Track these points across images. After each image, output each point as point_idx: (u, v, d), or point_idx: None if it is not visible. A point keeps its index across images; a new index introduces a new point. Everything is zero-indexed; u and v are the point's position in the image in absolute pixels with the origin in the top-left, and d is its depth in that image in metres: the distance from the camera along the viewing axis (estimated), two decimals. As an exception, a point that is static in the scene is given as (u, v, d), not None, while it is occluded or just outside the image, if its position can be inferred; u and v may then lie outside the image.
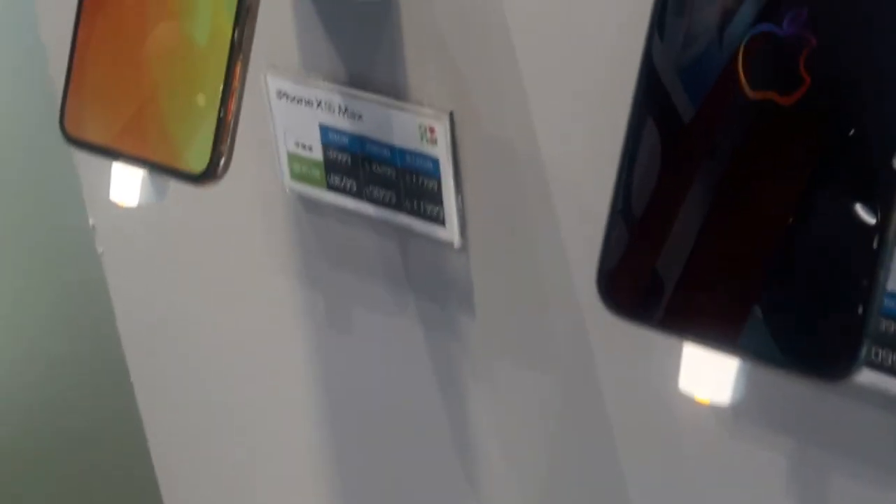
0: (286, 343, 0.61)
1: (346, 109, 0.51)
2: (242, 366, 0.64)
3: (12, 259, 1.09)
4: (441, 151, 0.48)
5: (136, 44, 0.41)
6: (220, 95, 0.39)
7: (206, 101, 0.39)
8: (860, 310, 0.29)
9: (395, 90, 0.49)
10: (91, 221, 0.66)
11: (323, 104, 0.52)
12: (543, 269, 0.48)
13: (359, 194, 0.53)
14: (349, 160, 0.52)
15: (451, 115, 0.48)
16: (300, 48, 0.52)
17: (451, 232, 0.50)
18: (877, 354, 0.40)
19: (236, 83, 0.39)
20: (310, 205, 0.55)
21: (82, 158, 0.67)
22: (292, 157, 0.54)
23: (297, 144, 0.53)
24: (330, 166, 0.53)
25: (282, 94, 0.53)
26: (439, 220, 0.50)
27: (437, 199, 0.50)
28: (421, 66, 0.48)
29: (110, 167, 0.42)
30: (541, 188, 0.47)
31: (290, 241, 0.57)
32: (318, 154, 0.53)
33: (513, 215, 0.48)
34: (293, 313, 0.58)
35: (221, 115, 0.39)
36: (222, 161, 0.39)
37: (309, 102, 0.52)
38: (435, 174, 0.49)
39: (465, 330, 0.53)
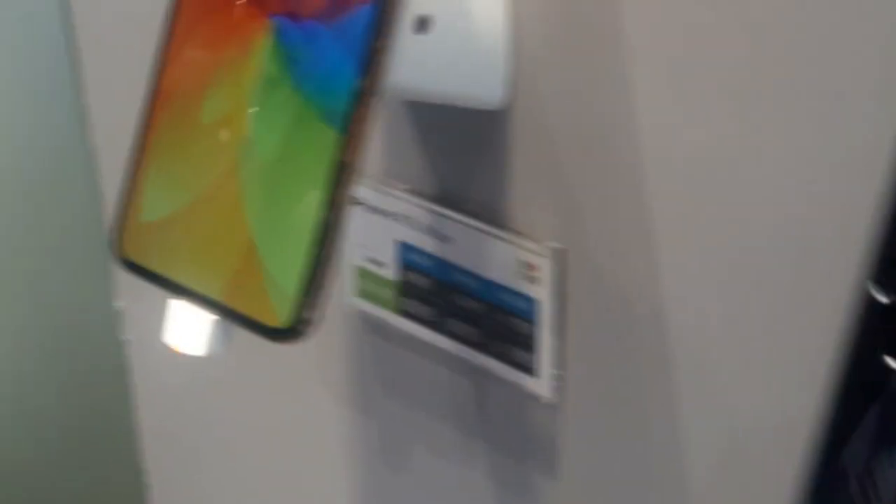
0: (332, 476, 0.53)
1: (431, 229, 0.44)
2: (281, 498, 0.57)
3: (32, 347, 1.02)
4: (541, 293, 0.42)
5: (212, 161, 0.34)
6: (313, 237, 0.32)
7: (296, 242, 0.32)
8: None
9: (494, 215, 0.43)
10: (118, 305, 0.59)
11: (405, 219, 0.45)
12: (649, 444, 0.41)
13: (435, 325, 0.46)
14: (428, 285, 0.45)
15: (558, 252, 0.41)
16: (385, 152, 0.45)
17: (540, 384, 0.43)
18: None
19: (336, 224, 0.32)
20: (374, 326, 0.49)
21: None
22: (361, 273, 0.47)
23: (368, 259, 0.47)
24: (404, 289, 0.46)
25: (357, 201, 0.46)
26: (528, 368, 0.43)
27: (529, 345, 0.43)
28: (528, 193, 0.41)
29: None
30: (657, 349, 0.40)
31: (346, 363, 0.50)
32: (391, 273, 0.46)
33: (618, 375, 0.41)
34: (342, 443, 0.51)
35: (314, 261, 0.32)
36: (312, 317, 0.32)
37: (388, 215, 0.45)
38: (530, 317, 0.42)
39: (544, 493, 0.45)
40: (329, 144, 0.32)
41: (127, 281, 0.60)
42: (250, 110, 0.34)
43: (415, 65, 0.36)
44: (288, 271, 0.33)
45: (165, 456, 0.64)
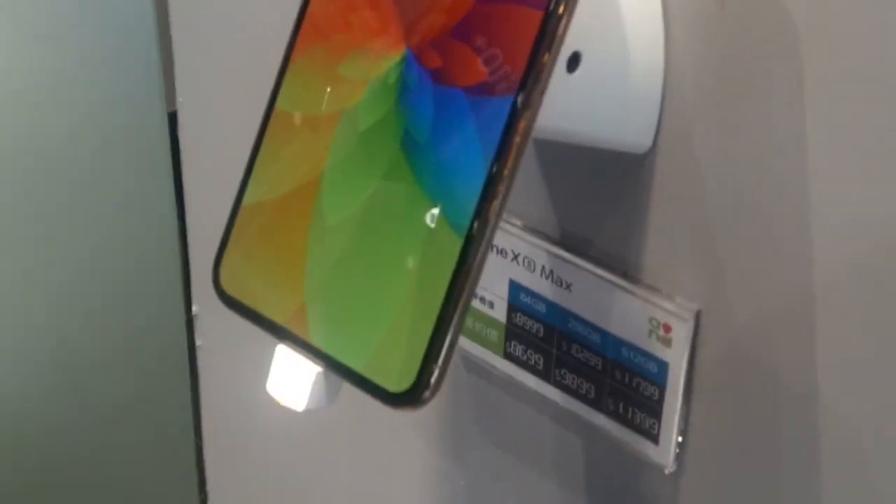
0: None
1: (550, 273, 0.41)
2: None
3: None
4: (674, 356, 0.38)
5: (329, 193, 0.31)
6: (443, 292, 0.29)
7: (420, 296, 0.29)
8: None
9: (625, 266, 0.39)
10: (195, 309, 0.56)
11: (521, 258, 0.41)
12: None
13: (545, 375, 0.42)
14: (541, 332, 0.42)
15: (698, 314, 0.37)
16: (503, 184, 0.42)
17: (663, 453, 0.39)
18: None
19: (470, 282, 0.29)
20: (475, 367, 0.45)
21: (196, 235, 0.57)
22: (465, 309, 0.44)
23: (476, 296, 0.43)
24: (513, 332, 0.43)
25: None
26: (651, 434, 0.40)
27: (654, 410, 0.39)
28: (665, 245, 0.37)
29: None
30: (802, 426, 0.36)
31: (441, 402, 0.47)
32: (500, 314, 0.43)
33: (752, 449, 0.38)
34: (429, 489, 0.48)
35: (441, 319, 0.29)
36: (433, 380, 0.29)
37: (502, 251, 0.42)
38: (658, 380, 0.39)
39: (651, 564, 0.42)
40: (453, 251, 0.29)
41: (204, 286, 0.56)
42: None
43: (559, 104, 0.33)
44: (410, 333, 0.29)
45: (228, 473, 0.61)
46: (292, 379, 0.31)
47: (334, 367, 0.30)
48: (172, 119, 0.54)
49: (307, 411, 0.31)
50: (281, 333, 0.31)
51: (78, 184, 0.88)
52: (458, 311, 0.29)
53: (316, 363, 0.31)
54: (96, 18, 0.84)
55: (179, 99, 0.54)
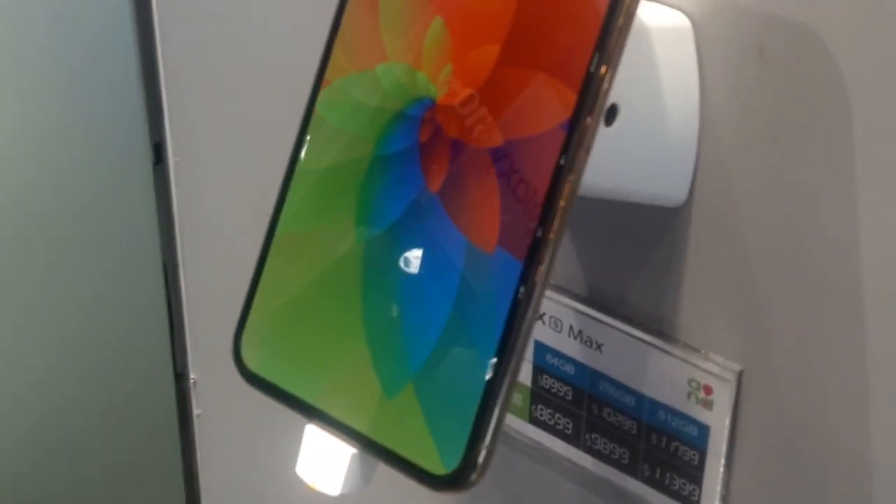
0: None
1: (579, 333, 0.39)
2: None
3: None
4: (716, 419, 0.36)
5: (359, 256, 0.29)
6: (491, 365, 0.27)
7: (466, 375, 0.27)
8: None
9: (660, 324, 0.37)
10: (192, 377, 0.54)
11: (546, 318, 0.40)
12: None
13: (574, 439, 0.40)
14: (570, 395, 0.40)
15: (741, 375, 0.36)
16: (525, 241, 0.40)
17: (705, 520, 0.38)
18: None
19: (518, 352, 0.27)
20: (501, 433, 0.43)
21: (191, 299, 0.55)
22: (487, 372, 0.42)
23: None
24: (539, 395, 0.41)
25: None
26: (690, 501, 0.38)
27: (694, 475, 0.37)
28: (706, 302, 0.36)
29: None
30: (857, 497, 0.34)
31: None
32: (525, 377, 0.41)
33: (801, 518, 0.36)
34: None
35: (488, 394, 0.27)
36: (480, 461, 0.27)
37: (526, 311, 0.40)
38: (699, 445, 0.37)
39: None
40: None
41: (201, 351, 0.54)
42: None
43: (596, 158, 0.31)
44: (452, 412, 0.28)
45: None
46: (325, 461, 0.29)
47: (372, 448, 0.28)
48: (159, 159, 0.52)
49: (342, 496, 0.29)
50: (312, 413, 0.29)
51: (65, 244, 0.85)
52: (507, 385, 0.27)
53: (351, 444, 0.29)
54: (79, 63, 0.82)
55: (175, 159, 0.52)
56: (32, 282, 0.85)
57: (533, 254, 0.27)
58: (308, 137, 0.31)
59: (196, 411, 0.54)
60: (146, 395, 0.85)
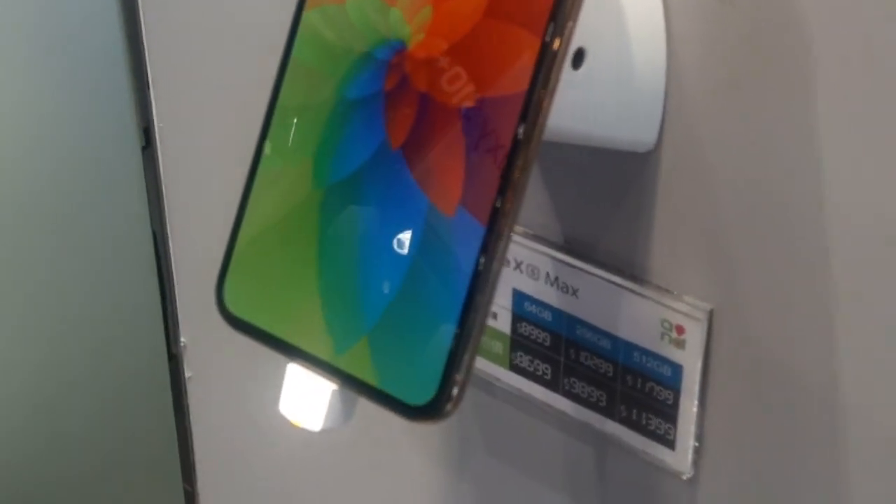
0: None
1: (555, 279, 0.40)
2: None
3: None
4: (688, 358, 0.37)
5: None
6: (462, 297, 0.28)
7: (434, 317, 0.28)
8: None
9: (633, 268, 0.38)
10: (182, 340, 0.55)
11: (524, 266, 0.41)
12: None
13: (553, 385, 0.41)
14: (548, 341, 0.41)
15: (712, 314, 0.37)
16: (502, 192, 0.41)
17: (681, 459, 0.39)
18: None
19: (490, 285, 0.28)
20: (479, 381, 0.44)
21: (180, 267, 0.56)
22: (467, 322, 0.43)
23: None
24: (519, 343, 0.42)
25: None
26: (667, 440, 0.39)
27: (669, 414, 0.38)
28: (677, 244, 0.37)
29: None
30: (825, 429, 0.35)
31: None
32: (504, 325, 0.42)
33: (776, 455, 0.37)
34: (434, 507, 0.47)
35: (462, 326, 0.28)
36: (455, 392, 0.28)
37: (505, 260, 0.41)
38: (673, 384, 0.38)
39: (670, 575, 0.41)
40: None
41: (191, 315, 0.55)
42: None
43: (564, 101, 0.32)
44: (425, 346, 0.29)
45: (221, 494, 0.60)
46: (307, 398, 0.30)
47: (351, 383, 0.29)
48: (148, 142, 0.53)
49: (324, 431, 0.29)
50: (293, 352, 0.30)
51: (53, 219, 0.86)
52: (480, 317, 0.28)
53: (331, 381, 0.30)
54: (67, 59, 0.83)
55: (159, 124, 0.53)
56: (26, 264, 0.86)
57: (503, 185, 0.27)
58: (284, 75, 0.31)
59: (187, 374, 0.55)
60: (140, 368, 0.86)
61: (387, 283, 0.29)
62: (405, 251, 0.29)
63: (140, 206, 0.82)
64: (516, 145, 0.28)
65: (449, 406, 0.27)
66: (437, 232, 0.29)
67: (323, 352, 0.29)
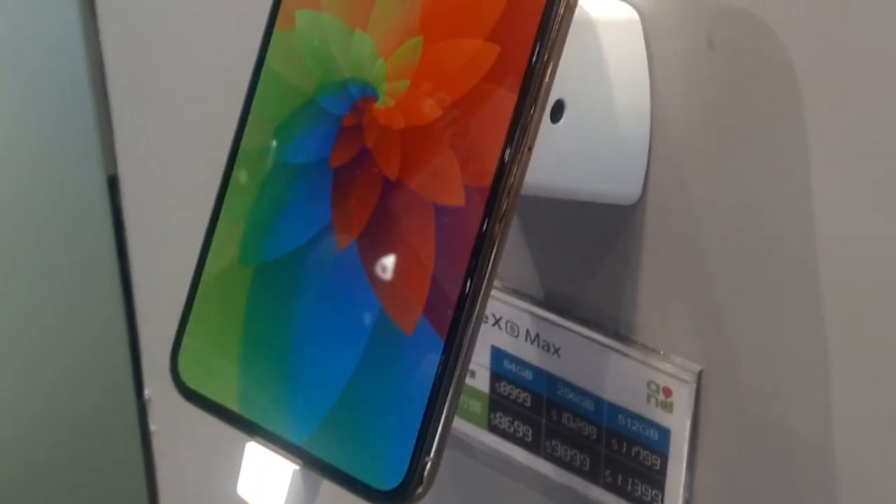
0: None
1: (536, 337, 0.38)
2: None
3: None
4: (676, 421, 0.35)
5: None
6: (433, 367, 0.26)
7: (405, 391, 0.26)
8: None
9: (617, 326, 0.36)
10: (147, 393, 0.53)
11: (503, 323, 0.39)
12: None
13: (534, 447, 0.39)
14: (528, 401, 0.39)
15: (700, 375, 0.35)
16: (479, 244, 0.39)
17: (669, 526, 0.37)
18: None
19: (465, 356, 0.26)
20: (457, 442, 0.42)
21: (146, 316, 0.54)
22: (444, 380, 0.41)
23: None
24: (498, 403, 0.40)
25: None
26: (653, 506, 0.37)
27: (656, 480, 0.36)
28: (663, 302, 0.35)
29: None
30: (822, 492, 0.33)
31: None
32: (482, 384, 0.40)
33: (766, 521, 0.35)
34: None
35: (433, 400, 0.26)
36: (426, 474, 0.26)
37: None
38: (660, 448, 0.36)
39: None
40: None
41: (154, 367, 0.52)
42: None
43: (543, 156, 0.30)
44: (395, 425, 0.26)
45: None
46: (267, 479, 0.27)
47: (314, 463, 0.27)
48: (114, 189, 0.51)
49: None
50: (252, 429, 0.28)
51: (19, 265, 0.84)
52: (453, 388, 0.26)
53: (292, 461, 0.27)
54: (31, 86, 0.81)
55: (121, 169, 0.51)
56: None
57: (477, 247, 0.25)
58: (245, 125, 0.29)
59: (152, 427, 0.53)
60: (109, 416, 0.84)
61: (342, 364, 0.27)
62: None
63: (107, 250, 0.80)
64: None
65: (419, 490, 0.25)
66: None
67: (283, 430, 0.27)
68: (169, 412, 0.54)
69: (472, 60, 0.25)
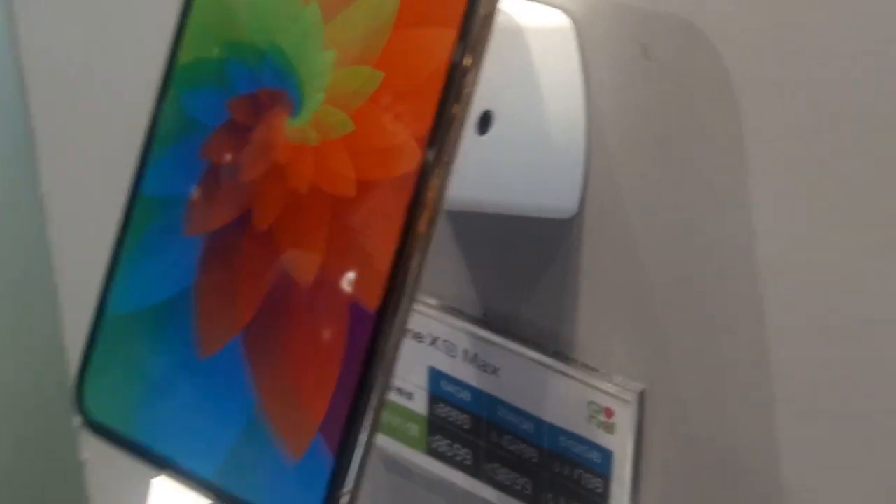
0: None
1: (474, 357, 0.37)
2: None
3: None
4: (618, 443, 0.34)
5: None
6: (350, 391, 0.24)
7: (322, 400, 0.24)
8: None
9: (556, 345, 0.35)
10: (85, 455, 0.51)
11: (439, 343, 0.37)
12: None
13: (474, 471, 0.38)
14: (468, 423, 0.38)
15: (643, 395, 0.34)
16: (414, 261, 0.38)
17: (613, 552, 0.36)
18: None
19: (383, 375, 0.24)
20: (395, 466, 0.41)
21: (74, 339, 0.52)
22: (381, 403, 0.39)
23: (392, 388, 0.39)
24: (436, 426, 0.38)
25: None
26: (597, 531, 0.36)
27: (599, 503, 0.35)
28: (603, 319, 0.34)
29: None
30: (768, 519, 0.32)
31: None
32: (420, 406, 0.39)
33: (713, 544, 0.34)
34: None
35: (348, 430, 0.24)
36: (345, 500, 0.24)
37: (418, 336, 0.38)
38: (602, 471, 0.35)
39: None
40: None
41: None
42: None
43: (472, 169, 0.29)
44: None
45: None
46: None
47: (225, 499, 0.25)
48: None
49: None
50: (160, 462, 0.26)
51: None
52: (369, 417, 0.24)
53: (204, 495, 0.26)
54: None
55: (44, 189, 0.49)
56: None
57: (397, 265, 0.24)
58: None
59: (83, 455, 0.51)
60: (45, 442, 0.81)
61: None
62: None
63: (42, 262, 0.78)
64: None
65: None
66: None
67: (193, 463, 0.26)
68: (109, 472, 0.52)
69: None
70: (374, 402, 0.24)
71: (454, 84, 0.24)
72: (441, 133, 0.24)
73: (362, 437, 0.24)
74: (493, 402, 0.36)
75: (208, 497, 0.26)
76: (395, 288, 0.24)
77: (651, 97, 0.31)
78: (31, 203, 0.54)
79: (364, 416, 0.24)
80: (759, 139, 0.29)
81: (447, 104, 0.24)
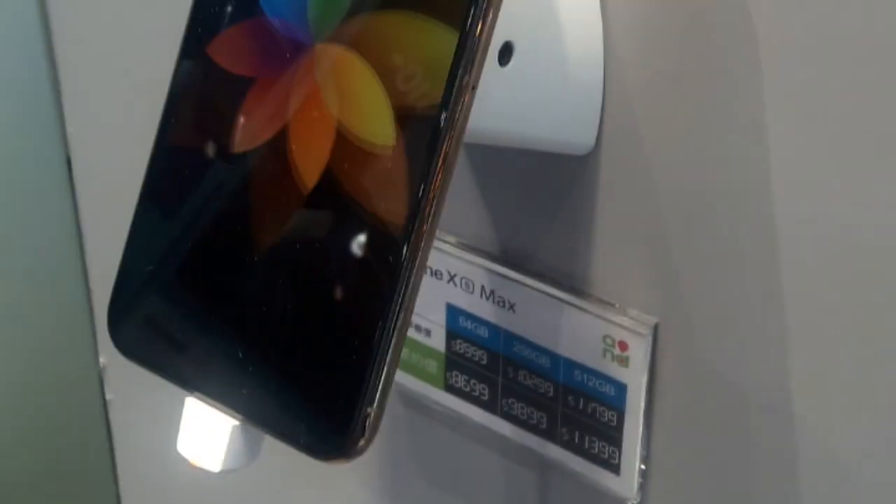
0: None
1: (491, 293, 0.37)
2: None
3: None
4: (632, 376, 0.35)
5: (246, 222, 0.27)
6: (375, 334, 0.25)
7: (346, 341, 0.25)
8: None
9: (572, 280, 0.35)
10: (102, 361, 0.52)
11: (457, 279, 0.38)
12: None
13: (491, 406, 0.39)
14: (485, 359, 0.38)
15: (657, 328, 0.34)
16: (433, 199, 0.38)
17: (626, 483, 0.36)
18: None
19: (406, 306, 0.25)
20: (413, 402, 0.41)
21: (97, 276, 0.53)
22: (399, 340, 0.40)
23: (410, 324, 0.39)
24: (454, 362, 0.39)
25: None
26: (611, 464, 0.36)
27: (613, 437, 0.36)
28: (618, 254, 0.34)
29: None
30: (777, 445, 0.33)
31: (379, 442, 0.43)
32: (438, 342, 0.39)
33: (727, 476, 0.34)
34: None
35: (375, 352, 0.25)
36: (368, 426, 0.25)
37: (436, 273, 0.38)
38: (617, 404, 0.35)
39: None
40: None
41: (108, 336, 0.51)
42: None
43: (491, 101, 0.29)
44: (334, 377, 0.26)
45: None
46: (206, 435, 0.27)
47: (254, 418, 0.26)
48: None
49: (224, 472, 0.27)
50: (191, 384, 0.27)
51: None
52: (395, 340, 0.25)
53: (233, 416, 0.27)
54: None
55: (71, 146, 0.49)
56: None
57: (416, 205, 0.25)
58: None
59: (108, 396, 0.52)
60: (70, 388, 0.83)
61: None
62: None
63: (66, 231, 0.78)
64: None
65: (361, 442, 0.25)
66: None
67: (223, 383, 0.26)
68: (125, 380, 0.53)
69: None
70: (399, 322, 0.25)
71: (479, 9, 0.25)
72: (467, 58, 0.24)
73: (389, 356, 0.25)
74: (510, 337, 0.37)
75: (238, 417, 0.26)
76: (419, 211, 0.24)
77: (670, 31, 0.31)
78: (56, 145, 0.54)
79: (391, 336, 0.24)
80: (777, 74, 0.30)
81: (472, 28, 0.24)
